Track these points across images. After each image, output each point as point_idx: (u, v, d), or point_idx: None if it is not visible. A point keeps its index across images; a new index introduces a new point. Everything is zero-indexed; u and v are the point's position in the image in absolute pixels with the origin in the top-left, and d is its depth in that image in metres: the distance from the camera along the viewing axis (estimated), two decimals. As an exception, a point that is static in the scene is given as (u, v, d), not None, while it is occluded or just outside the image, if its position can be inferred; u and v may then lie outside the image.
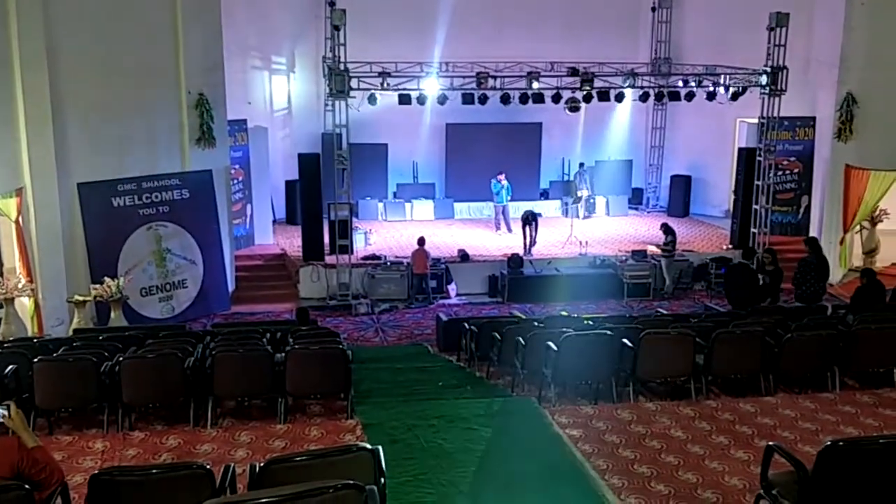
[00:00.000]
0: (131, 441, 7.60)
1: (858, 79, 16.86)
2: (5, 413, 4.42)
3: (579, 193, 21.27)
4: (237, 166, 17.71)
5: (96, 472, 4.77)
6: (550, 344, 8.65)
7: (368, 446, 4.79)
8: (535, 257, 17.65)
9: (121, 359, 8.26)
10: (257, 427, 7.96)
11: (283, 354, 8.42)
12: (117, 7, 13.90)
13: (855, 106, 16.90)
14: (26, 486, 4.29)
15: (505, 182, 19.55)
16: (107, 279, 13.07)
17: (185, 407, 8.12)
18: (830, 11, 17.44)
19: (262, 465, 4.51)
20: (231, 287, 16.52)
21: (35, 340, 10.54)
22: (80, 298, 12.87)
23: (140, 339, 9.82)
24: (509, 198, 19.78)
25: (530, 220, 18.17)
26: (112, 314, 13.21)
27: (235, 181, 17.57)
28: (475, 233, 19.98)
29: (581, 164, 21.64)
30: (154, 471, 4.99)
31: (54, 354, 8.61)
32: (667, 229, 17.21)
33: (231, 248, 16.80)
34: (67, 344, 9.51)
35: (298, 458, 4.61)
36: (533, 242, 18.20)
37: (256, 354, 8.45)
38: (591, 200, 21.72)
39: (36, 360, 8.09)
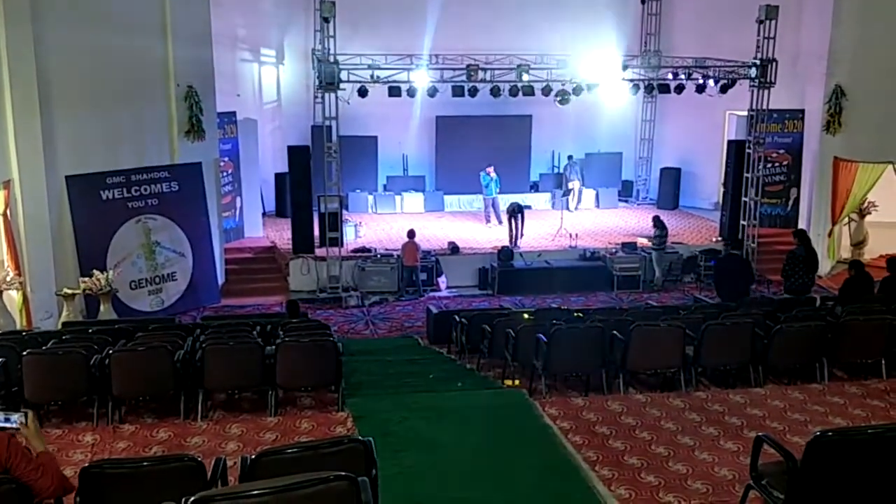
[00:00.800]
0: (121, 434, 7.58)
1: (847, 71, 16.92)
2: (22, 420, 4.34)
3: (570, 185, 21.29)
4: (226, 159, 17.64)
5: (86, 465, 4.75)
6: (541, 336, 8.68)
7: (360, 438, 4.79)
8: (524, 250, 17.66)
9: (110, 352, 8.24)
10: (248, 420, 7.95)
11: (274, 347, 8.40)
12: (105, -3, 13.82)
13: (843, 98, 16.97)
14: (15, 481, 4.26)
15: (494, 174, 19.55)
16: (96, 272, 13.03)
17: (176, 400, 8.09)
18: (819, 4, 17.50)
19: (253, 457, 4.49)
20: (221, 280, 16.46)
21: (24, 333, 10.49)
22: (69, 291, 12.83)
23: (129, 332, 9.79)
24: (498, 190, 19.78)
25: (516, 212, 18.15)
26: (101, 307, 13.19)
27: (225, 174, 17.50)
28: (465, 225, 19.96)
29: (570, 157, 21.65)
30: (144, 463, 4.98)
31: (43, 347, 8.59)
32: (658, 223, 17.24)
33: (220, 240, 16.74)
34: (57, 337, 9.49)
35: (289, 451, 4.60)
36: (520, 235, 18.20)
37: (247, 347, 8.44)
38: (582, 191, 21.75)
39: (25, 353, 8.06)
